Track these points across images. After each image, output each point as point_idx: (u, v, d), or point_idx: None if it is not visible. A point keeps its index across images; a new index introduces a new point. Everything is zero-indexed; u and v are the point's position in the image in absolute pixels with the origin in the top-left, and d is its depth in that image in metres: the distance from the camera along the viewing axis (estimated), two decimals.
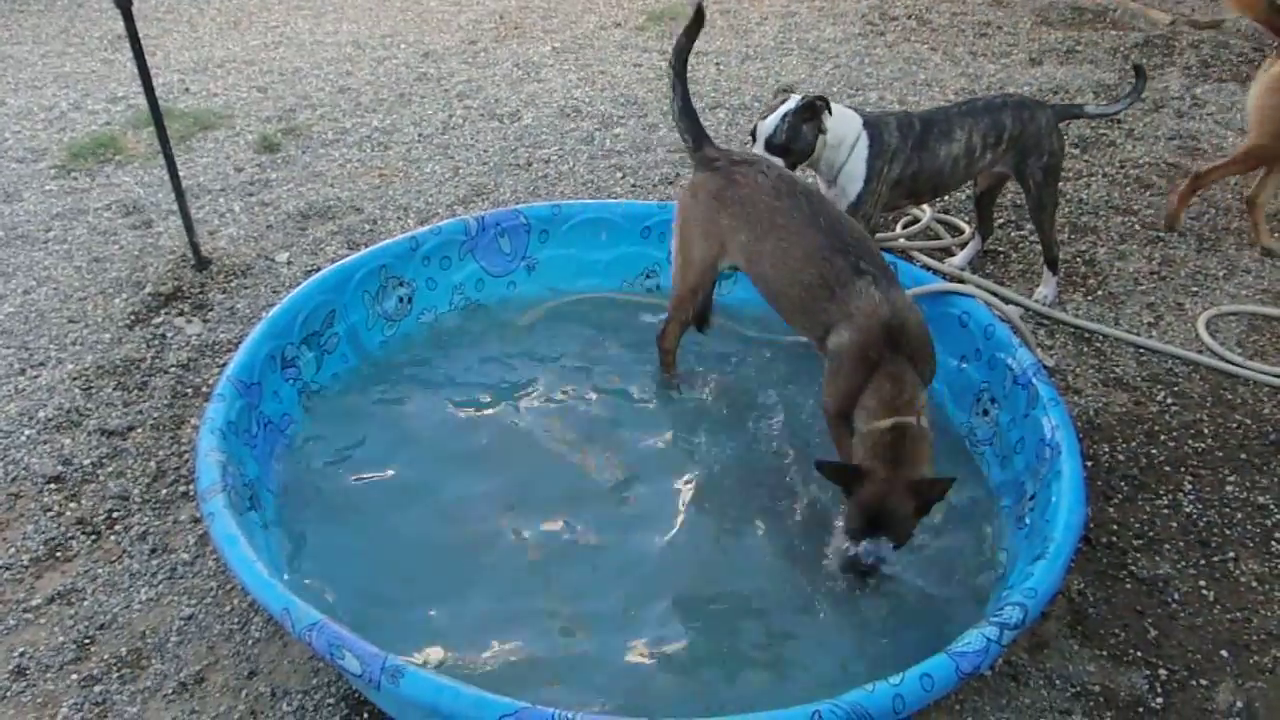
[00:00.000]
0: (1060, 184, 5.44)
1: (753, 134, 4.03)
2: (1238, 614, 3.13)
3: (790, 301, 3.38)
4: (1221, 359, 4.22)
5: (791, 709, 2.30)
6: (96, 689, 2.83)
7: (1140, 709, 2.83)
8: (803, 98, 3.97)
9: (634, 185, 5.58)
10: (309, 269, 4.67)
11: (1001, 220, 5.20)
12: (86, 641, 2.97)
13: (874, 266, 3.25)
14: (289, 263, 4.80)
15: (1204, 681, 2.92)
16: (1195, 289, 4.72)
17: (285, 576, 2.85)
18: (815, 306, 3.26)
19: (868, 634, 2.97)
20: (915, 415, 3.05)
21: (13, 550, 3.27)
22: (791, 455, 3.58)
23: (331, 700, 2.80)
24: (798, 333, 3.54)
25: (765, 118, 3.97)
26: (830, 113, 3.99)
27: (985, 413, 3.58)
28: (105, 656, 2.92)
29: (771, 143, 3.95)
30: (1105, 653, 3.00)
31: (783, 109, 3.95)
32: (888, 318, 3.12)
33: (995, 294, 4.33)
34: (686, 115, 3.70)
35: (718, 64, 7.43)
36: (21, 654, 2.93)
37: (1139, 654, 3.00)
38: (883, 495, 2.94)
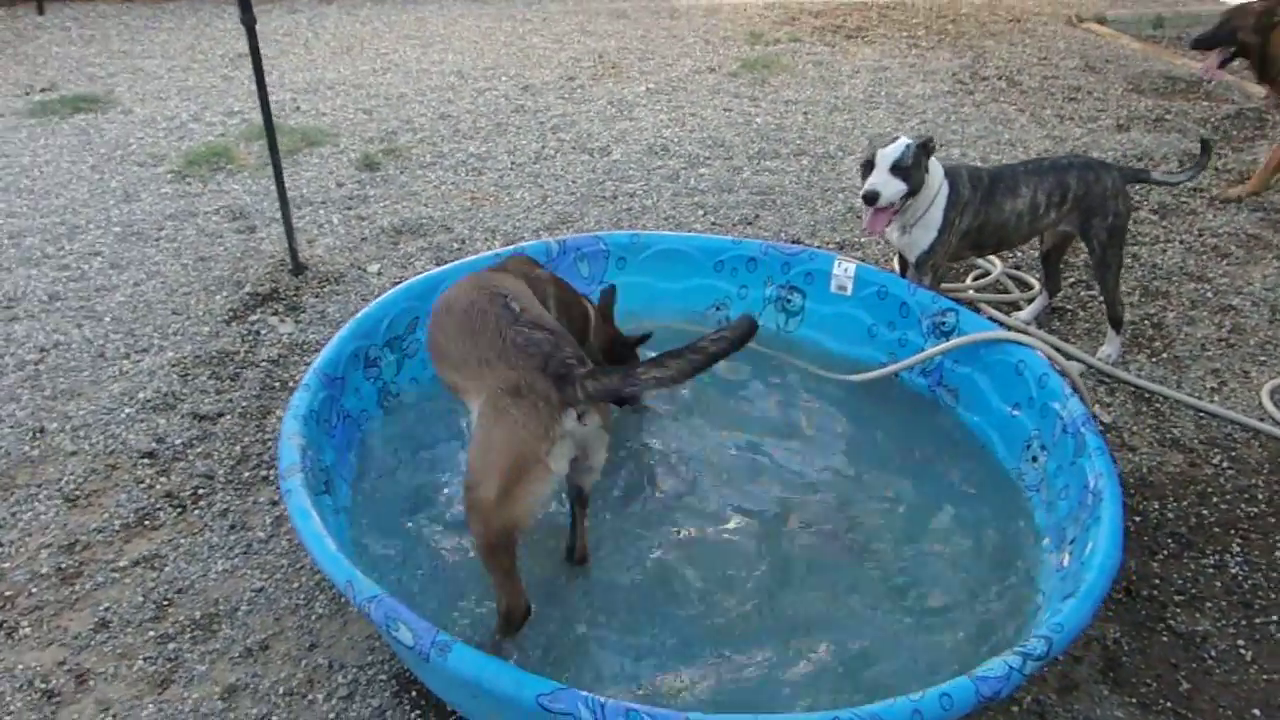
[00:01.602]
0: (1135, 248, 5.50)
1: (869, 162, 4.13)
2: (1274, 675, 3.15)
3: None
4: None
5: (815, 714, 2.43)
6: (170, 646, 3.04)
7: None
8: (917, 136, 4.13)
9: (714, 223, 5.75)
10: (397, 281, 4.92)
11: (1072, 279, 5.26)
12: (165, 603, 3.19)
13: None
14: (379, 273, 5.06)
15: None
16: (1264, 358, 4.73)
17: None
18: None
19: (897, 665, 3.04)
20: None
21: (106, 515, 3.52)
22: (829, 479, 3.70)
23: (383, 677, 2.97)
24: None
25: (884, 146, 4.09)
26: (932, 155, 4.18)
27: (1034, 459, 3.65)
28: (180, 618, 3.14)
29: (899, 165, 4.07)
30: (1135, 700, 3.04)
31: (902, 140, 4.09)
32: None
33: (1059, 349, 4.39)
34: None
35: (805, 113, 7.60)
36: (106, 609, 3.16)
37: (1169, 704, 3.03)
38: None
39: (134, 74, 7.88)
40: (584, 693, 2.38)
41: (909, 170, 4.09)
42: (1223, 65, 5.92)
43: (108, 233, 5.36)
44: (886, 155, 4.08)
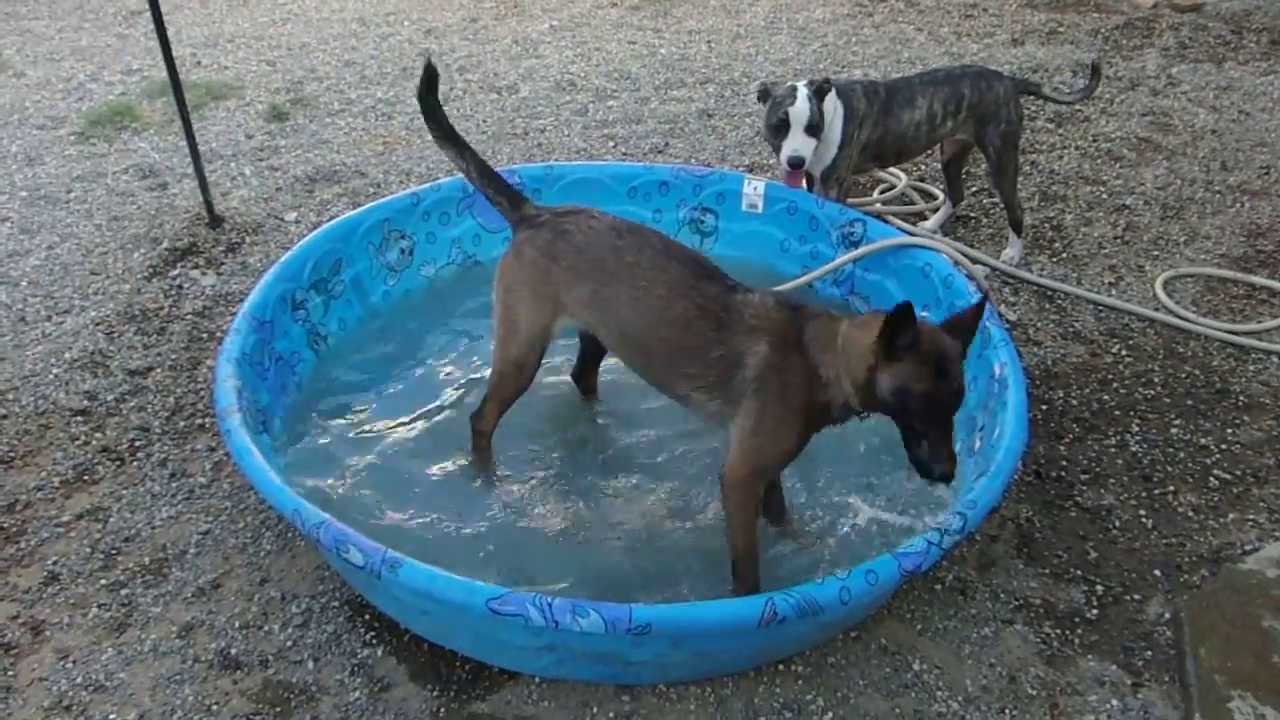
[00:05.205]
0: (1034, 155, 5.71)
1: (782, 123, 4.18)
2: (1172, 539, 3.40)
3: (666, 348, 3.00)
4: (1176, 315, 4.46)
5: (748, 597, 2.58)
6: (123, 592, 3.11)
7: (1076, 619, 3.10)
8: (810, 82, 4.21)
9: (625, 153, 5.84)
10: (316, 227, 4.93)
11: (974, 189, 5.45)
12: (113, 552, 3.25)
13: (736, 280, 3.04)
14: (297, 221, 5.07)
15: (1137, 596, 3.18)
16: (1156, 253, 4.98)
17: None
18: (702, 344, 2.92)
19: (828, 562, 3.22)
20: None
21: (44, 474, 3.54)
22: None
23: (336, 604, 3.07)
24: (672, 394, 3.13)
25: (793, 105, 4.14)
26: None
27: None
28: (130, 565, 3.20)
29: (810, 124, 4.16)
30: (1048, 571, 3.26)
31: (803, 93, 4.16)
32: (779, 300, 2.96)
33: (965, 254, 4.56)
34: (487, 177, 3.30)
35: (708, 42, 7.68)
36: (54, 563, 3.20)
37: (1079, 573, 3.26)
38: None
39: (22, 36, 7.67)
40: (531, 593, 2.51)
41: (818, 125, 4.20)
42: None
43: (14, 198, 5.28)
44: (799, 116, 4.15)
